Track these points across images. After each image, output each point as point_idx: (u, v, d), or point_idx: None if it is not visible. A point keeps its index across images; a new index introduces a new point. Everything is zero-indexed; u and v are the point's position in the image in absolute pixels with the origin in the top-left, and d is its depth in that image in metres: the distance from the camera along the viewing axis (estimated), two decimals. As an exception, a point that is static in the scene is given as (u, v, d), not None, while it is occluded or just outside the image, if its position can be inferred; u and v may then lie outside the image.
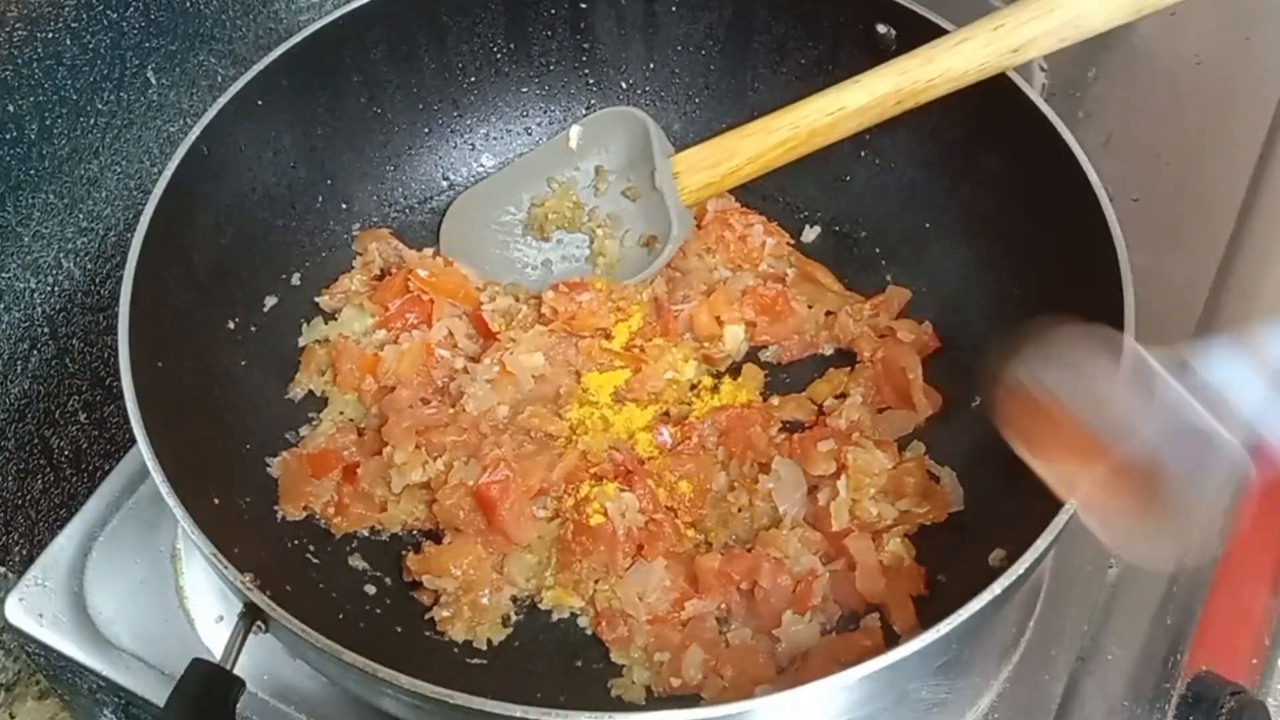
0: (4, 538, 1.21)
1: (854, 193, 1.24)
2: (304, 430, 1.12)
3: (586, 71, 1.28)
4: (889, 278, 1.21)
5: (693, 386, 1.15)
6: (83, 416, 1.27)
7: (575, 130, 1.26)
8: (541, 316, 1.17)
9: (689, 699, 0.97)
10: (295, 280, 1.19)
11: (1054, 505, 0.85)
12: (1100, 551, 1.06)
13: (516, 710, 0.76)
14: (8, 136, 1.09)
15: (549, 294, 1.17)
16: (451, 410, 1.11)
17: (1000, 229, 1.13)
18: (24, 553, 1.23)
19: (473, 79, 1.26)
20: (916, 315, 1.17)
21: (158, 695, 0.99)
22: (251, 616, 0.85)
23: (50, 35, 1.09)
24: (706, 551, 1.05)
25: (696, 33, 1.25)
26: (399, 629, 1.01)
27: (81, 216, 1.20)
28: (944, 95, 1.06)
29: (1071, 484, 0.83)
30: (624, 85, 1.28)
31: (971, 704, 0.99)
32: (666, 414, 1.13)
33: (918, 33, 1.08)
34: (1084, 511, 0.82)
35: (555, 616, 1.03)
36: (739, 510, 1.07)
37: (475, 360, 1.15)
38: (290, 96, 1.14)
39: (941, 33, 1.07)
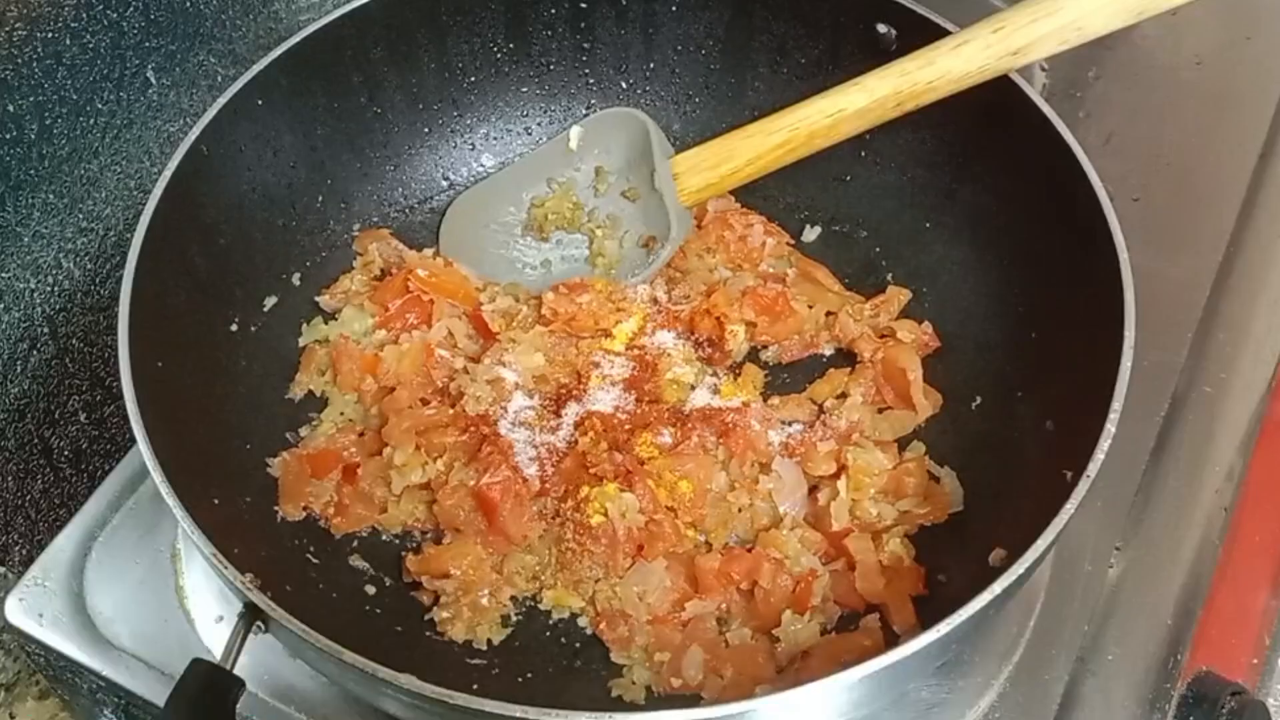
0: (4, 538, 1.21)
1: (854, 193, 1.24)
2: (304, 430, 1.12)
3: (586, 71, 1.28)
4: (889, 278, 1.21)
5: (693, 387, 1.15)
6: (83, 416, 1.27)
7: (575, 131, 1.25)
8: (541, 317, 1.17)
9: (689, 699, 0.97)
10: (295, 280, 1.19)
11: (1054, 505, 0.85)
12: (1100, 551, 1.06)
13: (516, 710, 0.76)
14: (8, 136, 1.09)
15: (549, 295, 1.17)
16: (451, 410, 1.11)
17: (1000, 229, 1.13)
18: (24, 553, 1.22)
19: (473, 79, 1.26)
20: (916, 315, 1.17)
21: (158, 695, 0.99)
22: (251, 616, 0.85)
23: (50, 35, 1.09)
24: (707, 552, 1.05)
25: (696, 33, 1.25)
26: (399, 629, 1.01)
27: (81, 216, 1.20)
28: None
29: None
30: (624, 85, 1.28)
31: (971, 704, 0.99)
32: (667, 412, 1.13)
33: (918, 33, 1.08)
34: None
35: (555, 616, 1.03)
36: (739, 510, 1.07)
37: (475, 360, 1.15)
38: (290, 96, 1.14)
39: (942, 33, 1.07)
